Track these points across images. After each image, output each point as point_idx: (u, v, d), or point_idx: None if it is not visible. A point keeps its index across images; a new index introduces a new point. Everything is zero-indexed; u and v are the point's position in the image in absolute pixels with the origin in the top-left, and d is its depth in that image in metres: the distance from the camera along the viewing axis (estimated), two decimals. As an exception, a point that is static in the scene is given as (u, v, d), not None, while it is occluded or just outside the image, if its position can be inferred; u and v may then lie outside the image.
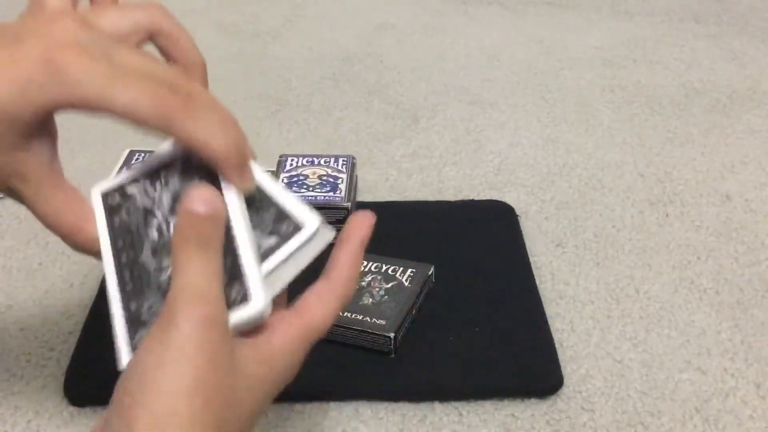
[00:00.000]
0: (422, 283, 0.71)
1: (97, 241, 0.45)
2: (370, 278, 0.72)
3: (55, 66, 0.42)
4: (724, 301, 0.74)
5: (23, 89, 0.42)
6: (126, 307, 0.44)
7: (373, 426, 0.62)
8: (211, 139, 0.44)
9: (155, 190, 0.48)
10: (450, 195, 0.89)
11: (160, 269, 0.45)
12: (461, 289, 0.73)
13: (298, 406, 0.63)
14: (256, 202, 0.46)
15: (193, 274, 0.41)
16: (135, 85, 0.43)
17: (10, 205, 0.87)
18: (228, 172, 0.45)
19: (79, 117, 1.09)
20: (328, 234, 0.47)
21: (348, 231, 0.49)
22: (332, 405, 0.63)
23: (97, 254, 0.46)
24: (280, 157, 0.85)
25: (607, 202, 0.88)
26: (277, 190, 0.47)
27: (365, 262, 0.73)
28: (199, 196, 0.42)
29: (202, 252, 0.42)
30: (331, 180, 0.81)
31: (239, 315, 0.42)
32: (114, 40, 0.45)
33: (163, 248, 0.45)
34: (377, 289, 0.70)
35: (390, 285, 0.71)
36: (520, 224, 0.83)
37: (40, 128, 0.44)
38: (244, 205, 0.46)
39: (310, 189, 0.79)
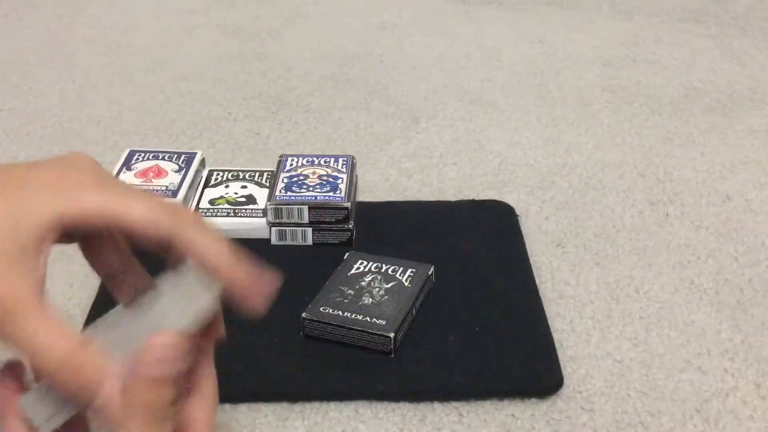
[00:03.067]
0: (422, 283, 0.71)
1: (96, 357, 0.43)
2: (370, 278, 0.72)
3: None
4: (724, 301, 0.74)
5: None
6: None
7: (373, 426, 0.62)
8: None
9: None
10: (450, 195, 0.89)
11: None
12: (461, 289, 0.73)
13: (298, 406, 0.63)
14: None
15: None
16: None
17: (10, 205, 0.86)
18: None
19: (79, 116, 1.09)
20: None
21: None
22: (332, 405, 0.63)
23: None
24: (280, 157, 0.85)
25: (607, 202, 0.88)
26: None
27: (365, 262, 0.73)
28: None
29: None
30: (331, 180, 0.81)
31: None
32: None
33: None
34: (377, 289, 0.70)
35: (390, 285, 0.71)
36: (520, 224, 0.83)
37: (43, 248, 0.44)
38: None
39: (310, 189, 0.79)
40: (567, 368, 0.66)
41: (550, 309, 0.72)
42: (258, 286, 0.47)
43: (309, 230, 0.79)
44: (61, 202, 0.43)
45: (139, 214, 0.44)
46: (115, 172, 0.82)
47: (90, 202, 0.44)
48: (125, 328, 0.45)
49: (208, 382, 0.49)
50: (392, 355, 0.66)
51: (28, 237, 0.42)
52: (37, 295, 0.42)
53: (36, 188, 0.44)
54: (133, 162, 0.84)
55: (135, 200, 0.44)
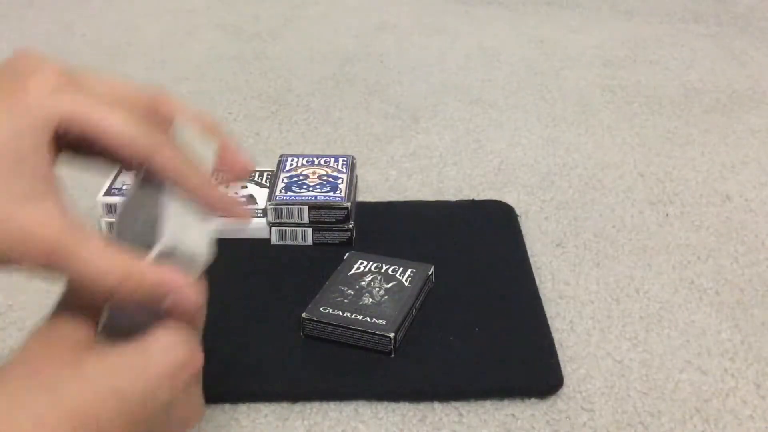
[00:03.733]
0: (422, 283, 0.71)
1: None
2: (370, 278, 0.72)
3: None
4: (724, 301, 0.74)
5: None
6: None
7: (373, 426, 0.62)
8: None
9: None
10: (450, 195, 0.89)
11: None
12: (461, 289, 0.73)
13: (298, 406, 0.63)
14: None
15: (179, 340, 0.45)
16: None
17: (10, 205, 0.86)
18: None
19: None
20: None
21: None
22: (332, 405, 0.63)
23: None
24: (280, 157, 0.85)
25: (607, 202, 0.88)
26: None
27: (365, 262, 0.73)
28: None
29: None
30: (331, 180, 0.81)
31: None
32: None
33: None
34: (377, 289, 0.70)
35: (390, 285, 0.71)
36: (520, 224, 0.83)
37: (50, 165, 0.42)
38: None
39: (310, 189, 0.79)
40: (567, 368, 0.66)
41: (550, 309, 0.72)
42: (231, 203, 0.48)
43: (309, 230, 0.79)
44: (51, 106, 0.42)
45: (118, 131, 0.43)
46: (115, 172, 0.82)
47: (75, 102, 0.42)
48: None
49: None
50: (392, 355, 0.66)
51: (35, 162, 0.41)
52: (67, 225, 0.41)
53: (20, 99, 0.42)
54: (133, 162, 0.84)
55: (114, 113, 0.43)
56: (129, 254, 0.42)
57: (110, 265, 0.41)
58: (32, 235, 0.40)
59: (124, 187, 0.80)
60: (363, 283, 0.71)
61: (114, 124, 0.43)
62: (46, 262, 0.41)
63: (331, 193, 0.79)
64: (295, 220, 0.78)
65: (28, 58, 0.44)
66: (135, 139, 0.43)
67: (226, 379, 0.60)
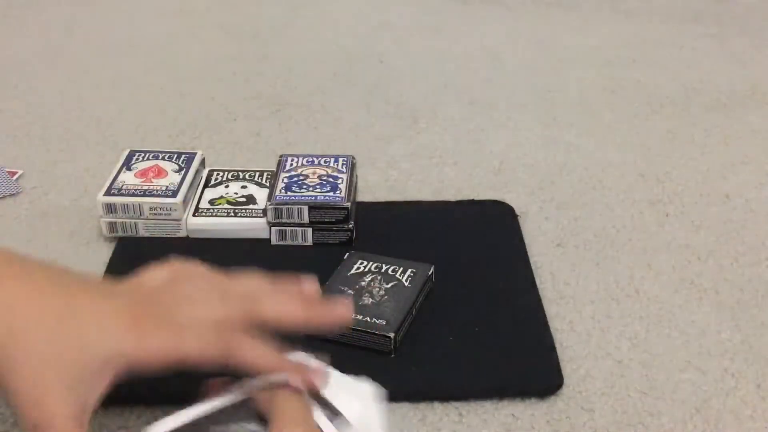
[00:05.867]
0: (422, 283, 0.71)
1: None
2: (370, 278, 0.72)
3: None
4: (724, 301, 0.74)
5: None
6: None
7: (373, 426, 0.62)
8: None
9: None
10: (450, 195, 0.89)
11: None
12: (461, 289, 0.73)
13: (298, 406, 0.63)
14: None
15: (294, 403, 0.49)
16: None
17: (9, 204, 0.87)
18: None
19: (79, 116, 1.09)
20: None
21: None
22: (332, 405, 0.63)
23: None
24: (280, 157, 0.85)
25: (607, 202, 0.88)
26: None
27: (365, 262, 0.73)
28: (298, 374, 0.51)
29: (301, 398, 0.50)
30: (331, 180, 0.81)
31: None
32: None
33: None
34: (377, 289, 0.70)
35: (390, 285, 0.71)
36: (520, 224, 0.83)
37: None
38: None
39: (310, 189, 0.79)
40: (567, 368, 0.66)
41: (550, 309, 0.72)
42: (305, 374, 0.52)
43: (309, 230, 0.79)
44: (125, 343, 0.47)
45: (194, 353, 0.48)
46: (115, 172, 0.82)
47: (151, 346, 0.47)
48: None
49: None
50: (392, 355, 0.66)
51: (90, 368, 0.45)
52: (77, 423, 0.45)
53: (103, 319, 0.47)
54: (133, 162, 0.84)
55: (189, 339, 0.48)
56: None
57: None
58: (39, 408, 0.44)
59: (124, 188, 0.80)
60: (363, 283, 0.71)
61: (191, 347, 0.49)
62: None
63: (331, 193, 0.79)
64: (295, 220, 0.78)
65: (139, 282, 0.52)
66: (210, 355, 0.49)
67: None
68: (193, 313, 0.50)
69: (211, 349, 0.49)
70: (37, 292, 0.47)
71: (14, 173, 0.91)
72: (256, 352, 0.51)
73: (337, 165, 0.83)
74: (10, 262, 0.48)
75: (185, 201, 0.80)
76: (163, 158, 0.84)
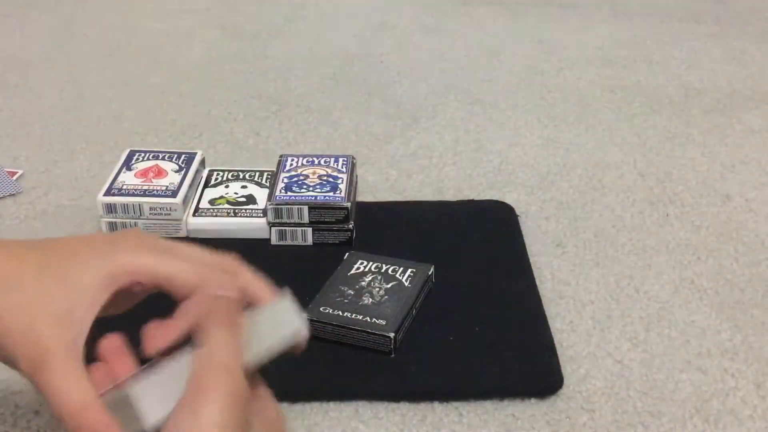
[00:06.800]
0: (422, 283, 0.71)
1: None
2: (370, 278, 0.72)
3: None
4: (724, 301, 0.74)
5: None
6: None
7: (373, 426, 0.62)
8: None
9: None
10: (450, 195, 0.89)
11: None
12: (461, 289, 0.73)
13: (298, 406, 0.63)
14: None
15: (219, 349, 0.45)
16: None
17: (10, 204, 0.87)
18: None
19: (79, 116, 1.09)
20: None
21: None
22: (332, 405, 0.63)
23: None
24: (280, 157, 0.85)
25: (607, 202, 0.88)
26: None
27: (365, 262, 0.73)
28: (228, 283, 0.50)
29: (228, 330, 0.46)
30: (331, 180, 0.81)
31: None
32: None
33: None
34: (377, 289, 0.70)
35: (390, 285, 0.71)
36: (520, 224, 0.83)
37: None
38: None
39: (310, 189, 0.79)
40: (567, 368, 0.66)
41: (550, 309, 0.72)
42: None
43: (309, 230, 0.79)
44: (112, 263, 0.49)
45: (186, 274, 0.50)
46: (115, 172, 0.82)
47: (138, 263, 0.49)
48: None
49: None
50: (392, 355, 0.66)
51: (78, 295, 0.47)
52: (71, 352, 0.46)
53: (89, 251, 0.49)
54: (133, 162, 0.84)
55: (171, 260, 0.50)
56: (90, 396, 0.46)
57: (70, 398, 0.45)
58: (35, 345, 0.46)
59: (124, 187, 0.80)
60: (363, 283, 0.71)
61: (180, 269, 0.50)
62: (29, 372, 0.46)
63: (331, 193, 0.79)
64: (295, 220, 0.78)
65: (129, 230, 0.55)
66: (194, 283, 0.50)
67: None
68: (180, 246, 0.52)
69: (204, 274, 0.50)
70: (14, 254, 0.49)
71: (14, 173, 0.91)
72: (254, 281, 0.52)
73: (337, 165, 0.83)
74: None
75: (185, 201, 0.80)
76: (163, 158, 0.84)
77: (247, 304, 0.52)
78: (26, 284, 0.48)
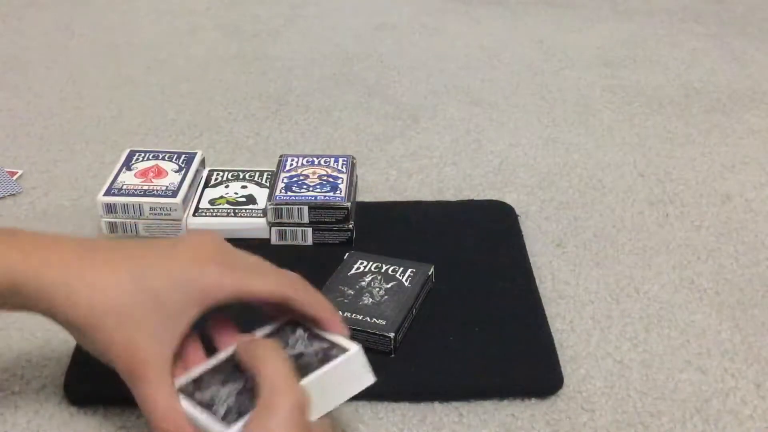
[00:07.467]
0: (422, 283, 0.71)
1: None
2: (370, 278, 0.72)
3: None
4: (724, 301, 0.74)
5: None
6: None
7: (373, 426, 0.62)
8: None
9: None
10: (450, 195, 0.89)
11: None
12: (461, 289, 0.73)
13: (298, 406, 0.63)
14: None
15: (279, 366, 0.51)
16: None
17: (9, 205, 0.87)
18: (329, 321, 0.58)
19: (79, 116, 1.09)
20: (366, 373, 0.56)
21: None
22: (332, 405, 0.63)
23: None
24: (280, 157, 0.85)
25: (607, 202, 0.88)
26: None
27: (365, 262, 0.73)
28: (312, 298, 0.58)
29: (278, 349, 0.53)
30: (331, 180, 0.81)
31: (211, 425, 0.52)
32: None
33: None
34: (377, 289, 0.70)
35: (390, 285, 0.71)
36: (520, 224, 0.83)
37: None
38: None
39: (310, 189, 0.79)
40: (567, 368, 0.66)
41: (550, 309, 0.72)
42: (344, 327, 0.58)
43: (309, 230, 0.79)
44: (201, 283, 0.54)
45: (265, 290, 0.56)
46: (115, 172, 0.82)
47: (227, 285, 0.55)
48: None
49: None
50: (392, 355, 0.66)
51: (171, 313, 0.54)
52: (163, 365, 0.53)
53: (178, 268, 0.54)
54: (133, 162, 0.84)
55: (259, 278, 0.56)
56: (180, 416, 0.53)
57: (162, 418, 0.53)
58: (133, 359, 0.53)
59: (124, 187, 0.80)
60: (363, 283, 0.71)
61: (261, 284, 0.56)
62: (128, 382, 0.54)
63: (331, 193, 0.79)
64: (295, 220, 0.78)
65: (207, 236, 0.58)
66: (276, 293, 0.56)
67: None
68: (250, 259, 0.58)
69: (273, 288, 0.56)
70: (108, 261, 0.54)
71: (14, 173, 0.91)
72: (316, 297, 0.58)
73: (337, 165, 0.83)
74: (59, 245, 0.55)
75: (185, 201, 0.80)
76: (163, 158, 0.84)
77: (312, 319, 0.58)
78: (125, 299, 0.53)
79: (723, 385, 0.66)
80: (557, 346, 0.68)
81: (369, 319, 0.67)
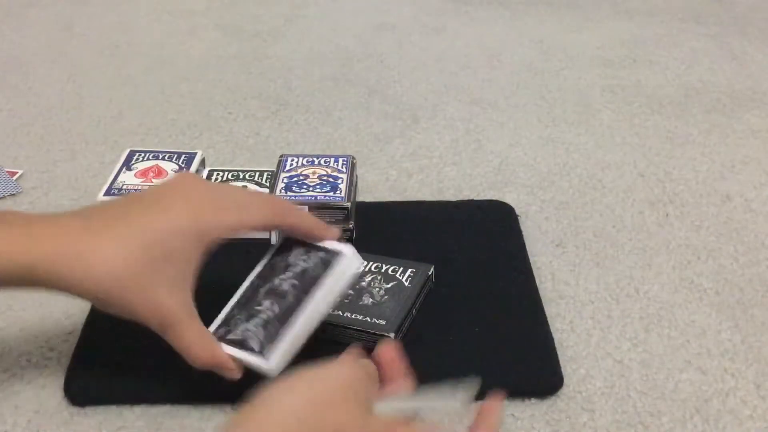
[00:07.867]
0: (422, 283, 0.71)
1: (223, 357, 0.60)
2: (370, 278, 0.72)
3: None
4: (724, 301, 0.74)
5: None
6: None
7: (373, 426, 0.61)
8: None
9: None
10: (450, 195, 0.89)
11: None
12: (461, 289, 0.73)
13: (298, 406, 0.63)
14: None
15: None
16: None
17: (10, 204, 0.87)
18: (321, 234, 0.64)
19: (79, 116, 1.09)
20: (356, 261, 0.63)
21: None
22: (332, 405, 0.63)
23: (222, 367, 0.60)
24: (280, 157, 0.85)
25: (607, 202, 0.88)
26: None
27: (365, 262, 0.73)
28: (296, 212, 0.64)
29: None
30: (331, 180, 0.81)
31: (250, 359, 0.59)
32: None
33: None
34: (377, 289, 0.70)
35: (390, 285, 0.71)
36: (520, 224, 0.83)
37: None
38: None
39: (310, 189, 0.79)
40: (567, 368, 0.66)
41: (550, 309, 0.72)
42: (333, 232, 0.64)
43: (309, 230, 0.79)
44: (198, 225, 0.58)
45: (259, 222, 0.61)
46: (114, 172, 0.82)
47: (222, 224, 0.60)
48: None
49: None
50: (392, 355, 0.66)
51: (180, 261, 0.58)
52: (188, 312, 0.58)
53: (178, 213, 0.58)
54: (133, 162, 0.84)
55: (250, 212, 0.61)
56: (212, 345, 0.59)
57: (200, 351, 0.59)
58: (160, 311, 0.57)
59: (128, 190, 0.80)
60: (363, 283, 0.71)
61: (255, 218, 0.62)
62: (160, 332, 0.58)
63: (331, 193, 0.79)
64: (295, 220, 0.78)
65: (188, 184, 0.62)
66: (269, 222, 0.63)
67: (226, 380, 0.60)
68: (237, 194, 0.63)
69: (265, 219, 0.62)
70: (115, 238, 0.57)
71: (14, 173, 0.91)
72: (302, 216, 0.64)
73: (337, 165, 0.83)
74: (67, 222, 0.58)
75: (185, 201, 0.80)
76: (163, 158, 0.84)
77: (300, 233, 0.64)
78: (137, 259, 0.56)
79: (723, 385, 0.66)
80: (557, 346, 0.68)
81: (369, 319, 0.67)
